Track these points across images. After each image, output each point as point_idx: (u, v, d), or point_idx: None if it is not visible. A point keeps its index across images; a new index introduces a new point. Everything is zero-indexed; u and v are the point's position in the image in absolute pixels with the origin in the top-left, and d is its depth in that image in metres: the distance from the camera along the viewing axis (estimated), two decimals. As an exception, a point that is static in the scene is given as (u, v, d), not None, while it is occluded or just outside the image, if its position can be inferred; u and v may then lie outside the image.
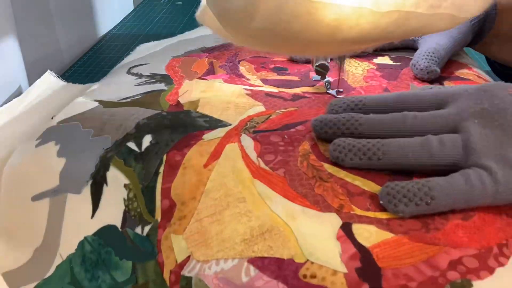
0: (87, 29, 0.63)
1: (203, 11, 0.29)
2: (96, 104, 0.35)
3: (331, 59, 0.37)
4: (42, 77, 0.46)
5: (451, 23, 0.24)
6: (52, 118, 0.41)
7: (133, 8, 0.80)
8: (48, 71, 0.47)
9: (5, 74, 0.45)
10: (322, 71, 0.36)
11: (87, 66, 0.57)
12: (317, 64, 0.36)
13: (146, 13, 0.77)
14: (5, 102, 0.44)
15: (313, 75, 0.38)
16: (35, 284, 0.26)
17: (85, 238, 0.27)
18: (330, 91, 0.37)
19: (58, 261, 0.27)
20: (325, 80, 0.37)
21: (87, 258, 0.26)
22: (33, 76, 0.48)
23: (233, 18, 0.24)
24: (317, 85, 0.38)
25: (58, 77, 0.48)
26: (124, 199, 0.27)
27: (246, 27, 0.24)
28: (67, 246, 0.27)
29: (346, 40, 0.24)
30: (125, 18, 0.75)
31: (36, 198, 0.29)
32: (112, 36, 0.67)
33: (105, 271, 0.25)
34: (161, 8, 0.79)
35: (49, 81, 0.47)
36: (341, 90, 0.37)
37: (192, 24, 0.70)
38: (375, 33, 0.23)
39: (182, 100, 0.35)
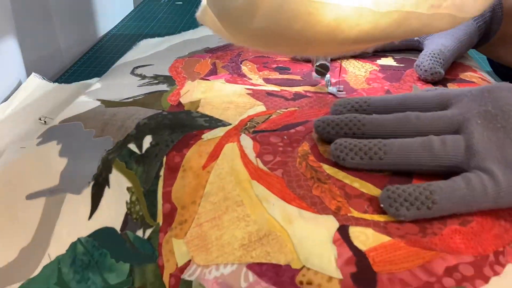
0: (87, 29, 0.64)
1: (203, 11, 0.29)
2: (98, 103, 0.35)
3: (331, 59, 0.37)
4: (27, 79, 0.46)
5: (451, 23, 0.24)
6: (40, 119, 0.41)
7: (133, 8, 0.80)
8: (33, 73, 0.47)
9: (5, 74, 0.45)
10: (322, 71, 0.36)
11: (87, 66, 0.57)
12: (317, 64, 0.36)
13: (146, 13, 0.77)
14: (4, 102, 0.44)
15: (314, 75, 0.38)
16: (20, 284, 0.26)
17: (79, 239, 0.27)
18: (330, 90, 0.37)
19: (45, 261, 0.26)
20: (326, 79, 0.37)
21: (78, 260, 0.26)
22: (32, 76, 0.48)
23: (233, 18, 0.24)
24: (319, 84, 0.38)
25: (44, 78, 0.47)
26: (126, 202, 0.27)
27: (246, 27, 0.24)
28: (57, 246, 0.27)
29: (346, 40, 0.24)
30: (125, 18, 0.75)
31: (31, 196, 0.29)
32: (112, 36, 0.67)
33: (96, 273, 0.25)
34: (161, 8, 0.79)
35: (35, 83, 0.46)
36: (342, 87, 0.37)
37: (192, 24, 0.69)
38: (375, 33, 0.23)
39: (183, 100, 0.35)
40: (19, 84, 0.47)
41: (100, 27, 0.67)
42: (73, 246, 0.27)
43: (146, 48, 0.48)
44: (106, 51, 0.61)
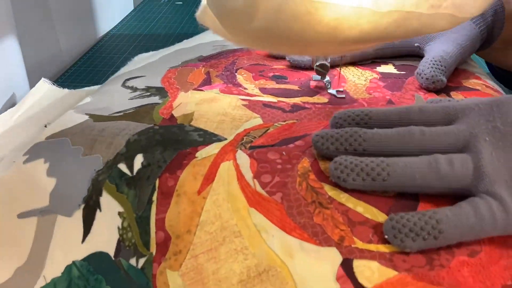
0: (87, 29, 0.64)
1: (203, 11, 0.29)
2: (86, 117, 0.33)
3: (330, 67, 0.36)
4: (36, 85, 0.46)
5: (451, 23, 0.23)
6: (46, 126, 0.40)
7: (133, 8, 0.80)
8: (43, 78, 0.46)
9: (5, 74, 0.44)
10: (322, 71, 0.35)
11: (87, 66, 0.57)
12: (317, 64, 0.35)
13: (146, 13, 0.77)
14: (5, 102, 0.44)
15: (313, 75, 0.38)
16: None
17: (73, 262, 0.26)
18: (330, 91, 0.36)
19: (41, 283, 0.26)
20: (325, 80, 0.36)
21: (73, 284, 0.25)
22: (33, 76, 0.48)
23: (233, 18, 0.24)
24: (318, 95, 0.36)
25: (53, 83, 0.46)
26: (118, 228, 0.26)
27: (246, 27, 0.23)
28: (53, 268, 0.26)
29: (346, 40, 0.23)
30: (125, 18, 0.75)
31: (23, 215, 0.28)
32: (112, 36, 0.67)
33: None
34: (161, 8, 0.79)
35: (44, 89, 0.46)
36: (342, 90, 0.36)
37: (192, 24, 0.69)
38: (375, 33, 0.23)
39: (176, 113, 0.33)
40: (20, 84, 0.46)
41: (100, 27, 0.67)
42: (68, 269, 0.26)
43: (140, 62, 0.46)
44: (106, 51, 0.61)
